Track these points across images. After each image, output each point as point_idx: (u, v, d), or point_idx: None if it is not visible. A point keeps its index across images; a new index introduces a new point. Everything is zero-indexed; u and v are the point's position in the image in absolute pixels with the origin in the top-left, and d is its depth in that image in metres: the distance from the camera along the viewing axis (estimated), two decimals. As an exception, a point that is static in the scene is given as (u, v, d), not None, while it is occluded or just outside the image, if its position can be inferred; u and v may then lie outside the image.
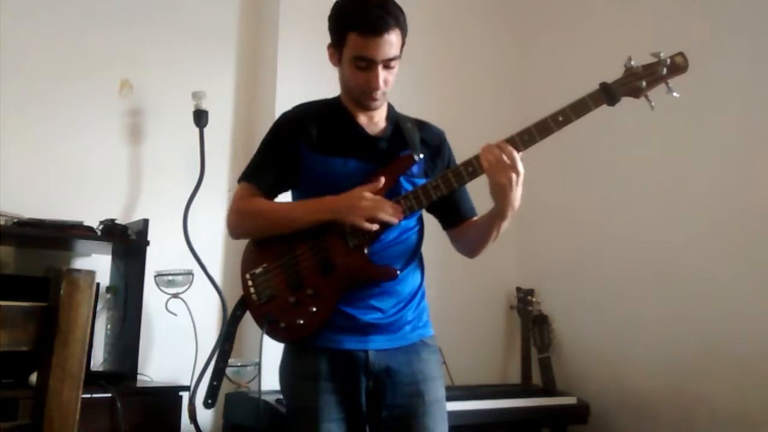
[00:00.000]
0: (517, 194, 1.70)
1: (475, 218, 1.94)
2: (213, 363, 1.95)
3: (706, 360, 2.94)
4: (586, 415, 3.16)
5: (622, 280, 3.29)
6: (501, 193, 1.70)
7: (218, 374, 1.87)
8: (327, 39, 1.86)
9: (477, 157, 1.73)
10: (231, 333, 1.89)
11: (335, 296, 1.77)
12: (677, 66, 1.71)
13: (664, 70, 1.71)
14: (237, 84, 3.26)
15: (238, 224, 1.87)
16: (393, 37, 1.74)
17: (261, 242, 1.86)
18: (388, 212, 1.72)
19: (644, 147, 3.30)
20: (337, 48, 1.81)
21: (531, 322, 3.52)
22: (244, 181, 1.89)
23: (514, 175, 1.67)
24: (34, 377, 1.84)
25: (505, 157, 1.67)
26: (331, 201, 1.76)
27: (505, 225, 1.80)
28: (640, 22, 3.31)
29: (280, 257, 1.81)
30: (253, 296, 1.83)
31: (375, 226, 1.72)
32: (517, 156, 1.68)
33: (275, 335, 1.82)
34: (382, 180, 1.76)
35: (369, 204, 1.72)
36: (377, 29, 1.71)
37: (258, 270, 1.83)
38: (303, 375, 1.80)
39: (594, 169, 3.52)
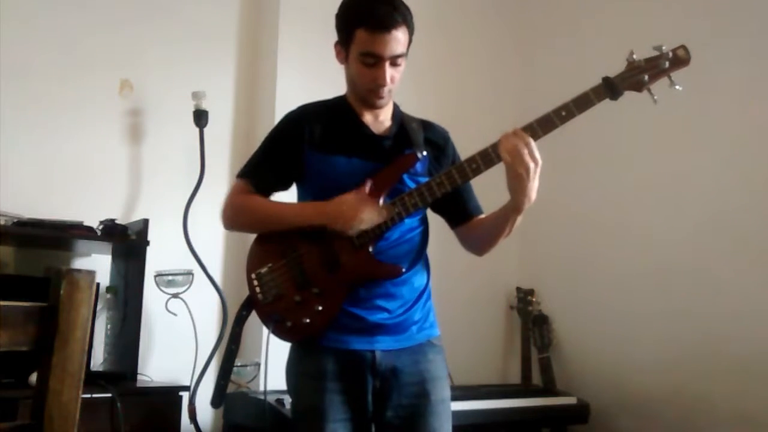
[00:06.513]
0: (534, 185, 1.67)
1: (483, 216, 1.93)
2: (220, 363, 1.95)
3: (706, 360, 2.95)
4: (586, 415, 3.16)
5: (622, 280, 3.30)
6: (519, 184, 1.66)
7: (226, 374, 1.88)
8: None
9: (480, 154, 1.72)
10: (237, 333, 1.89)
11: (341, 295, 1.77)
12: (679, 59, 1.71)
13: (667, 64, 1.71)
14: (237, 84, 3.26)
15: (232, 218, 1.90)
16: (400, 34, 1.74)
17: (265, 242, 1.87)
18: (367, 217, 1.72)
19: (644, 146, 3.30)
20: (344, 45, 1.81)
21: (531, 322, 3.52)
22: (242, 177, 1.92)
23: (532, 165, 1.65)
24: (34, 377, 1.84)
25: (522, 146, 1.65)
26: (320, 206, 1.77)
27: (520, 219, 1.78)
28: (641, 24, 3.31)
29: (285, 256, 1.81)
30: (259, 296, 1.83)
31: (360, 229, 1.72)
32: (534, 145, 1.66)
33: (282, 334, 1.81)
34: (369, 184, 1.75)
35: (349, 212, 1.72)
36: (385, 25, 1.71)
37: (263, 270, 1.83)
38: (309, 374, 1.79)
39: (594, 169, 3.52)
